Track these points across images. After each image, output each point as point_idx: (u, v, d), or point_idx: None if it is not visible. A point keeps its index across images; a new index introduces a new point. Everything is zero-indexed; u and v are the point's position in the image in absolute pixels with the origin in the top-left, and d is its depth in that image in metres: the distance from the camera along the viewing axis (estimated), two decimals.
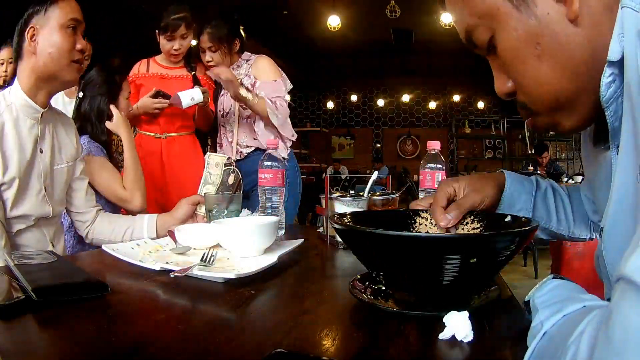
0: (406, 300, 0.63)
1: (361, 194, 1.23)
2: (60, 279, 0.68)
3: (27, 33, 1.15)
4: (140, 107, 2.00)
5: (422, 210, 0.79)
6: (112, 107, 1.63)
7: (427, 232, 0.77)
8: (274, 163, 1.20)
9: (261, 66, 2.09)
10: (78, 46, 1.18)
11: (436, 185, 1.13)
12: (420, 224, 0.79)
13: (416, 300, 0.62)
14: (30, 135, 1.17)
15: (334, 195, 1.18)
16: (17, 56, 1.18)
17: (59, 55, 1.15)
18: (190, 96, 1.93)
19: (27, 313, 0.59)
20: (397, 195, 1.26)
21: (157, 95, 1.98)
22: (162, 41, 2.04)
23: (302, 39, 6.21)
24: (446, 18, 5.86)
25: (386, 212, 0.90)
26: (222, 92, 2.14)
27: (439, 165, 1.12)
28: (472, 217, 0.76)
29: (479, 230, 0.74)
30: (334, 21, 5.81)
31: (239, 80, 1.90)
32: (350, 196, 1.19)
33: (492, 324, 0.59)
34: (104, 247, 0.92)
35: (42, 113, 1.19)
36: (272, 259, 0.84)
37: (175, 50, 2.04)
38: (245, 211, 1.22)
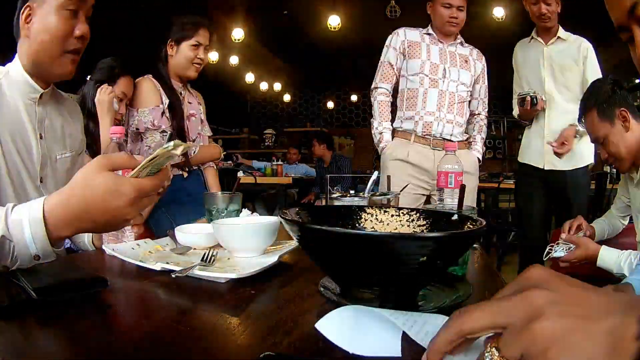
0: (372, 299, 0.63)
1: (361, 193, 1.23)
2: (59, 277, 0.68)
3: (23, 13, 0.99)
4: None
5: (367, 206, 0.81)
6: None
7: (373, 228, 0.78)
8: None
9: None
10: (77, 32, 1.00)
11: (450, 185, 1.13)
12: (365, 220, 0.80)
13: (377, 298, 0.63)
14: (28, 117, 1.02)
15: (334, 195, 1.18)
16: (17, 34, 1.04)
17: (52, 43, 0.99)
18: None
19: (27, 313, 0.59)
20: (397, 194, 1.26)
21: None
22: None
23: (302, 39, 6.19)
24: None
25: (332, 207, 0.91)
26: None
27: (456, 167, 1.13)
28: (418, 214, 0.77)
29: (425, 227, 0.76)
30: (334, 21, 5.80)
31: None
32: (350, 196, 1.19)
33: None
34: (104, 247, 0.92)
35: (42, 94, 1.05)
36: (272, 259, 0.84)
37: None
38: (245, 211, 1.22)
